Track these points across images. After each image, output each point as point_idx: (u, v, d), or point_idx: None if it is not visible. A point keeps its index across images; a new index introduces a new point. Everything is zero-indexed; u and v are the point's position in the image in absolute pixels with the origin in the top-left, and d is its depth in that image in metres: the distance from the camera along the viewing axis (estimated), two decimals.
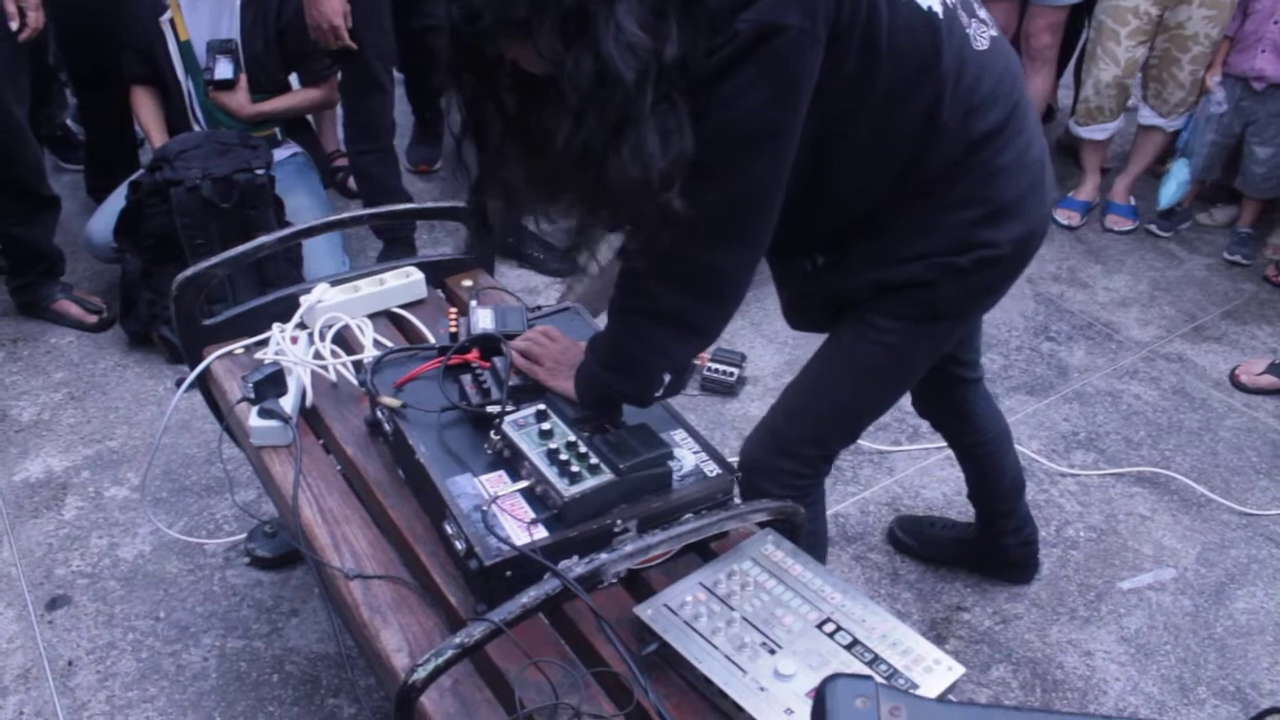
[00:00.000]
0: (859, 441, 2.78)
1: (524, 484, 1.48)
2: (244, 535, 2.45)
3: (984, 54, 1.49)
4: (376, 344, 1.91)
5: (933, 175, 1.50)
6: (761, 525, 1.52)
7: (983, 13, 1.53)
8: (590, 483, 1.43)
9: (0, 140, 2.95)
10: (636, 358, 1.51)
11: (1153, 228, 3.94)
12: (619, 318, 1.52)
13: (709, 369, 2.98)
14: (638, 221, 1.40)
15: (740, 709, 1.26)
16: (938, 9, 1.42)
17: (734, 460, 1.68)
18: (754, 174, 1.37)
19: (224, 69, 3.15)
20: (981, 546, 2.38)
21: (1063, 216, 3.97)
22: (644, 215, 1.36)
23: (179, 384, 1.94)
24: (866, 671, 1.29)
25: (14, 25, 2.81)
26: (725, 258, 1.43)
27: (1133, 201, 3.99)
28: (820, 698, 0.85)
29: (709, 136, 1.32)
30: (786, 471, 1.70)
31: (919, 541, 2.48)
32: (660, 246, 1.39)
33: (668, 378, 1.51)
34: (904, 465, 2.77)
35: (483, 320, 1.74)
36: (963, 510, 2.44)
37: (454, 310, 1.84)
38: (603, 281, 1.60)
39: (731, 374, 2.97)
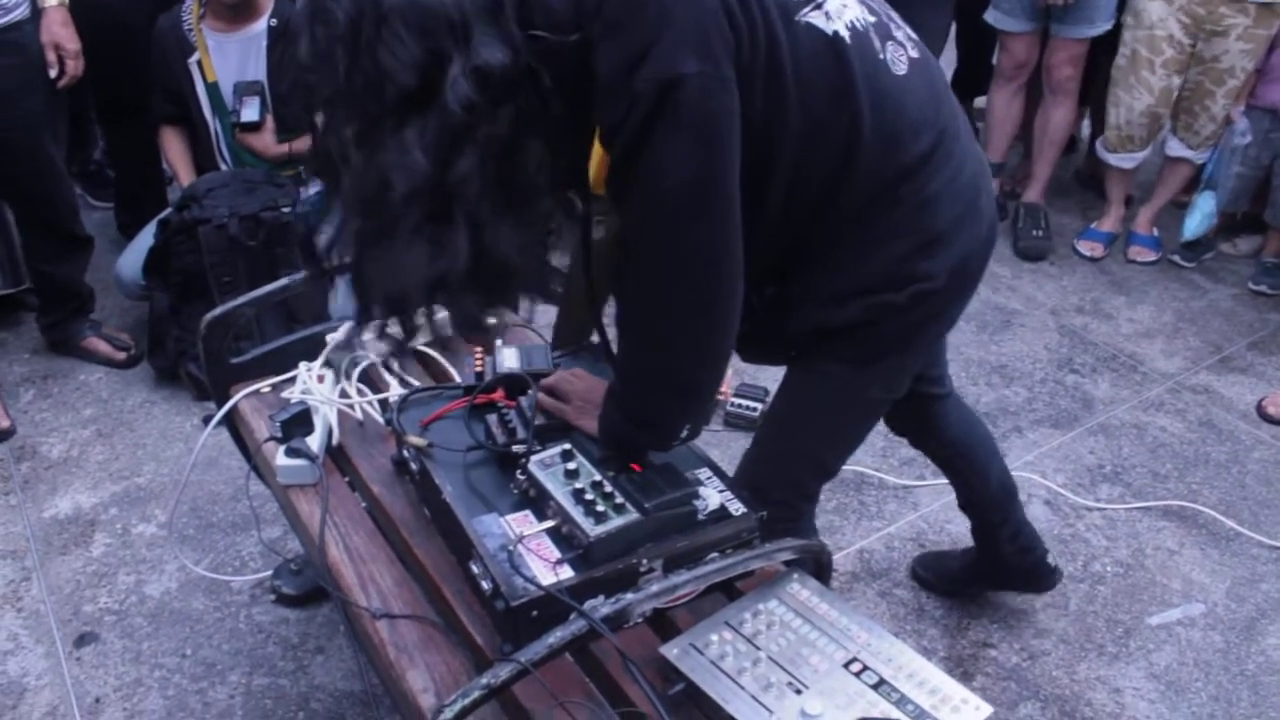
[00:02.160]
0: (883, 476, 2.79)
1: (550, 524, 1.48)
2: (270, 572, 2.46)
3: (903, 79, 1.44)
4: (402, 382, 1.92)
5: (860, 205, 1.45)
6: (787, 564, 1.52)
7: (900, 35, 1.48)
8: (616, 522, 1.43)
9: (37, 182, 3.01)
10: (650, 416, 1.51)
11: (1176, 258, 3.93)
12: (625, 380, 1.52)
13: (732, 404, 2.98)
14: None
15: None
16: (844, 33, 1.38)
17: None
18: (705, 231, 1.33)
19: (251, 111, 3.19)
20: (984, 561, 2.35)
21: (1086, 248, 3.96)
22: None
23: (206, 421, 1.96)
24: (895, 713, 1.29)
25: (53, 73, 2.86)
26: (707, 320, 1.40)
27: (1156, 232, 3.99)
28: None
29: (650, 209, 1.31)
30: (769, 518, 1.67)
31: (937, 575, 2.48)
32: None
33: (686, 430, 1.51)
34: (929, 500, 2.76)
35: (508, 359, 1.75)
36: None
37: (479, 349, 1.85)
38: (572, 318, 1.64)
39: (755, 409, 2.97)
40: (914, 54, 1.48)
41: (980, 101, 4.26)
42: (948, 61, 4.13)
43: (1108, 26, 3.65)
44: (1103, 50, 3.84)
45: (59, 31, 2.85)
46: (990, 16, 3.77)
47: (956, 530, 2.65)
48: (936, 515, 2.71)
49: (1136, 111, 3.69)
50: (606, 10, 1.23)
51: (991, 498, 2.23)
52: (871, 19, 1.44)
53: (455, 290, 1.31)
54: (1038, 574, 2.36)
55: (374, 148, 1.21)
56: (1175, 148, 3.81)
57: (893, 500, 2.76)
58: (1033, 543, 2.33)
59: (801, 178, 1.42)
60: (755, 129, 1.32)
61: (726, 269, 1.37)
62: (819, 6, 1.37)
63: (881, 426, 2.92)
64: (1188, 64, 3.59)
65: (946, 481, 2.75)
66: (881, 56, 1.42)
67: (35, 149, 2.94)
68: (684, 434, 1.53)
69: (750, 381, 3.04)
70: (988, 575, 2.39)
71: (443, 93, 1.18)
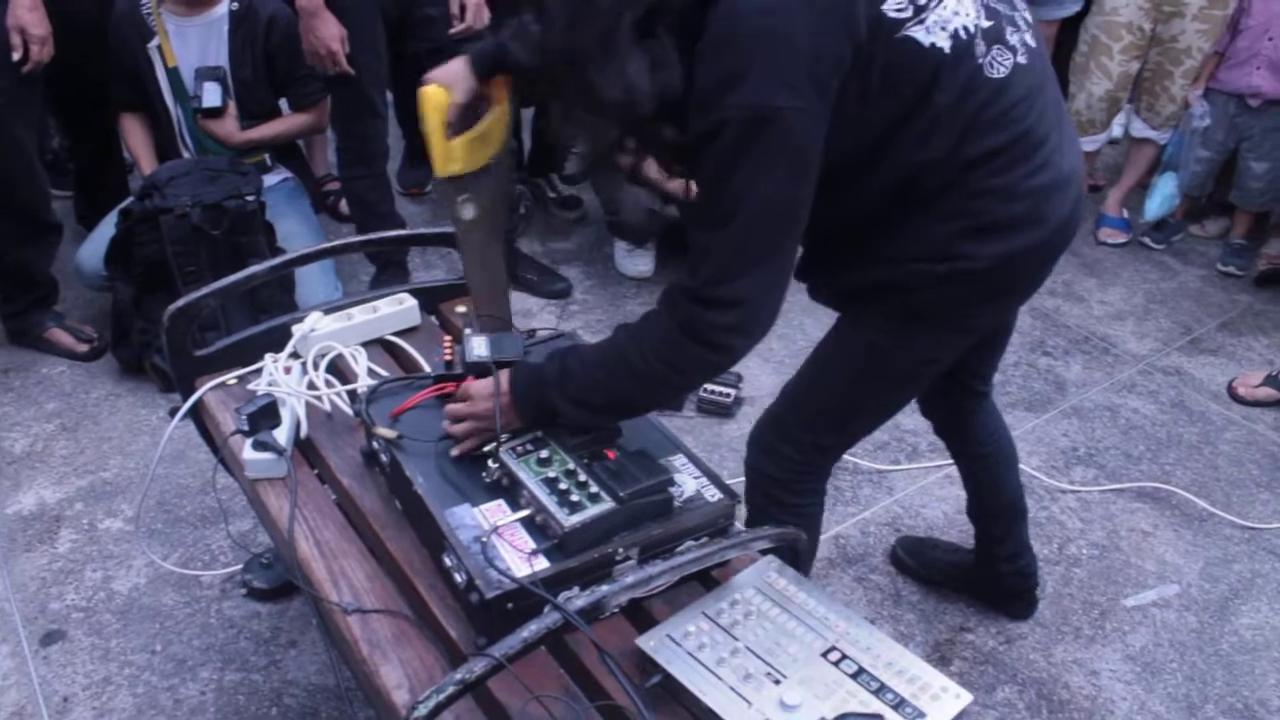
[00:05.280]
0: (857, 461, 2.78)
1: (524, 513, 1.46)
2: (240, 566, 2.42)
3: (1000, 81, 1.47)
4: (371, 373, 1.89)
5: (926, 190, 1.50)
6: (763, 552, 1.50)
7: (1015, 39, 1.51)
8: (591, 511, 1.41)
9: (3, 163, 2.94)
10: (637, 402, 1.54)
11: (1146, 240, 3.95)
12: (640, 379, 1.50)
13: (705, 390, 2.96)
14: (639, 144, 1.46)
15: None
16: (943, 45, 1.41)
17: (733, 483, 1.66)
18: (777, 231, 1.41)
19: (212, 96, 3.13)
20: (978, 571, 2.36)
21: None
22: (647, 138, 1.43)
23: (172, 414, 1.92)
24: (875, 702, 1.27)
25: (16, 56, 2.80)
26: (765, 295, 1.45)
27: (1125, 214, 4.00)
28: None
29: (746, 228, 1.37)
30: (784, 455, 1.79)
31: (920, 564, 2.46)
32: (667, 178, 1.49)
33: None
34: (904, 484, 2.75)
35: (478, 348, 1.72)
36: (964, 530, 2.42)
37: (448, 338, 1.82)
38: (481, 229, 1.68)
39: (728, 395, 2.96)
40: (1022, 60, 1.51)
41: None
42: None
43: (1076, 8, 3.66)
44: (1070, 31, 3.84)
45: (25, 16, 2.79)
46: None
47: (932, 515, 2.65)
48: (912, 500, 2.70)
49: (1095, 96, 3.72)
50: (710, 31, 1.31)
51: (1000, 511, 2.24)
52: (987, 24, 1.47)
53: (671, 113, 1.34)
54: (1023, 601, 2.37)
55: None
56: (1139, 128, 3.83)
57: (868, 485, 2.75)
58: (1031, 569, 2.33)
59: (880, 159, 1.47)
60: (838, 126, 1.39)
61: (784, 262, 1.44)
62: (921, 21, 1.40)
63: None
64: (1147, 48, 3.61)
65: (921, 466, 2.77)
66: (982, 61, 1.46)
67: (2, 132, 2.87)
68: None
69: None
70: (974, 583, 2.39)
71: None
